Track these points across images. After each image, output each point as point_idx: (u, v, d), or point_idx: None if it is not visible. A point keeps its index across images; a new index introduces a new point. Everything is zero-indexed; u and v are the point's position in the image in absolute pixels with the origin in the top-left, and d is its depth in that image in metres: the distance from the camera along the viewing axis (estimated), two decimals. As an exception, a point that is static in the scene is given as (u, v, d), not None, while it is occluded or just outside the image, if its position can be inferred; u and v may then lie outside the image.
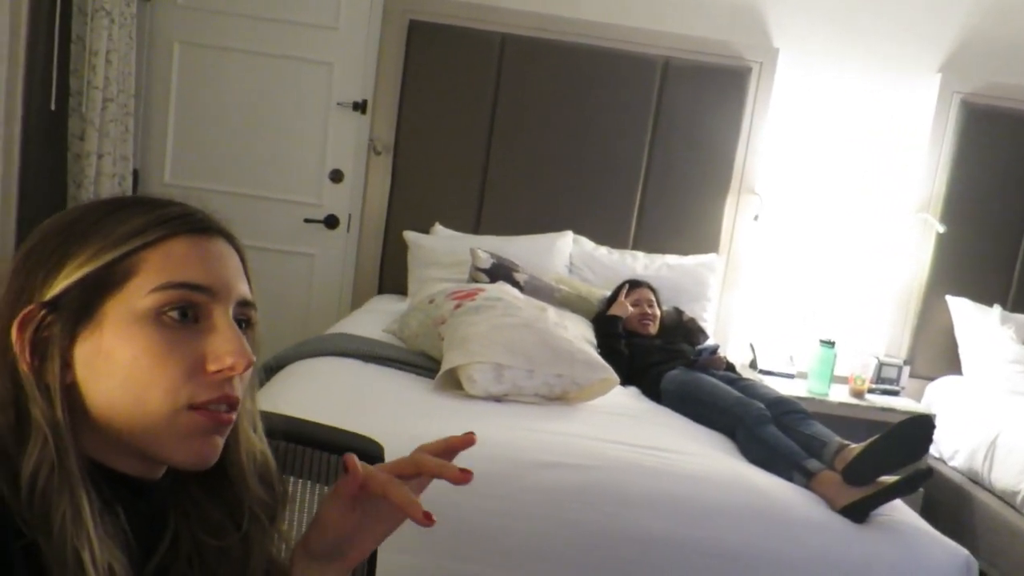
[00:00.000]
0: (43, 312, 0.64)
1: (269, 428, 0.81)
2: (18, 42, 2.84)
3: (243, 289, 0.72)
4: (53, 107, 3.02)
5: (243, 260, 0.75)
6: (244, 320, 0.72)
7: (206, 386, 0.66)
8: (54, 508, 0.59)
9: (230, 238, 0.74)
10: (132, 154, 3.36)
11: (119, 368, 0.64)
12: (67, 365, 0.64)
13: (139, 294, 0.65)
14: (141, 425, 0.65)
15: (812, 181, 3.58)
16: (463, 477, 0.73)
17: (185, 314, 0.66)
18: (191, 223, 0.70)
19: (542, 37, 3.53)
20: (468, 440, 0.79)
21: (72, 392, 0.64)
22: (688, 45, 3.55)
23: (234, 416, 0.69)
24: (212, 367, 0.66)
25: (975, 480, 3.06)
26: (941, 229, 3.58)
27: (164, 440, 0.66)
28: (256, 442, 0.77)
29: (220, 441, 0.69)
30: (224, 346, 0.67)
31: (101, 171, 3.15)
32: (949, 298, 3.63)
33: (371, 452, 0.99)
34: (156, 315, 0.65)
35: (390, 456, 1.03)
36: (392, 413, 1.92)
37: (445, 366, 2.17)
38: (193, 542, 0.73)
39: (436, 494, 1.69)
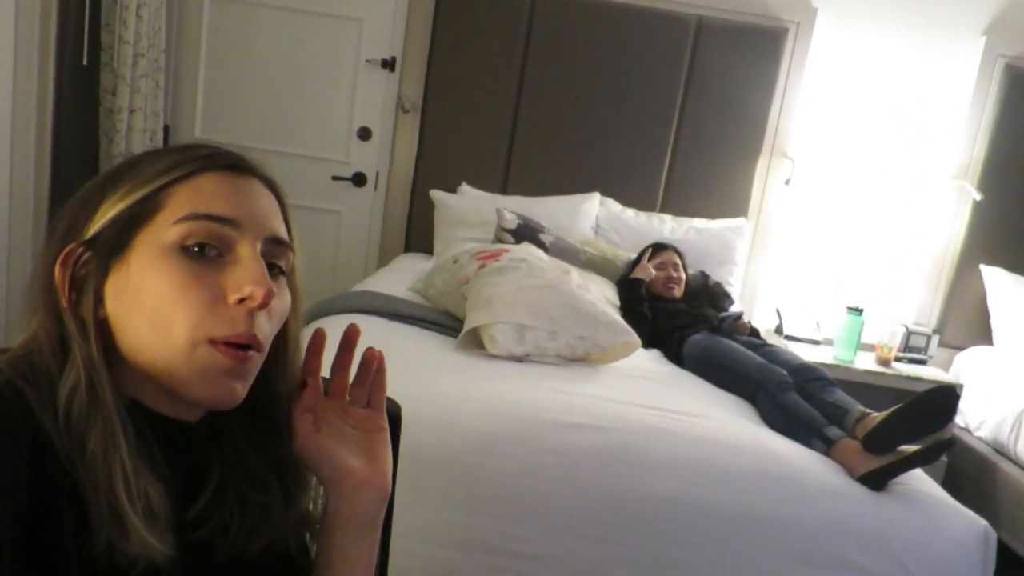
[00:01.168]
0: (81, 250, 0.66)
1: None
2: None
3: (275, 226, 0.71)
4: (85, 62, 3.05)
5: (282, 204, 0.75)
6: (277, 265, 0.72)
7: (227, 320, 0.65)
8: (88, 434, 0.61)
9: (268, 182, 0.74)
10: (163, 109, 3.38)
11: (144, 299, 0.65)
12: (100, 300, 0.66)
13: (165, 226, 0.66)
14: (164, 358, 0.65)
15: (846, 145, 3.51)
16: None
17: (209, 247, 0.66)
18: (223, 160, 0.70)
19: (573, -6, 3.47)
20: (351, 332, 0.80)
21: (104, 327, 0.66)
22: (723, 4, 3.48)
23: (256, 356, 0.68)
24: (231, 297, 0.66)
25: (1000, 451, 3.03)
26: (978, 197, 3.50)
27: (183, 375, 0.65)
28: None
29: (239, 384, 0.68)
30: (244, 276, 0.66)
31: (132, 126, 3.18)
32: (983, 267, 3.57)
33: (390, 411, 1.00)
34: (180, 247, 0.65)
35: (410, 416, 1.05)
36: (414, 371, 1.93)
37: (468, 325, 2.18)
38: (237, 494, 0.73)
39: (455, 454, 1.73)
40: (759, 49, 3.48)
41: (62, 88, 2.97)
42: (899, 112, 3.53)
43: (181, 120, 3.60)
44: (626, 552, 1.72)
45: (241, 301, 0.66)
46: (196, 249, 0.66)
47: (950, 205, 3.58)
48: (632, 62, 3.50)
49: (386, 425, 0.81)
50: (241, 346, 0.66)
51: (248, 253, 0.67)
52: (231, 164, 0.71)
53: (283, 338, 0.75)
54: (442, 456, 1.71)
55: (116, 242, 0.66)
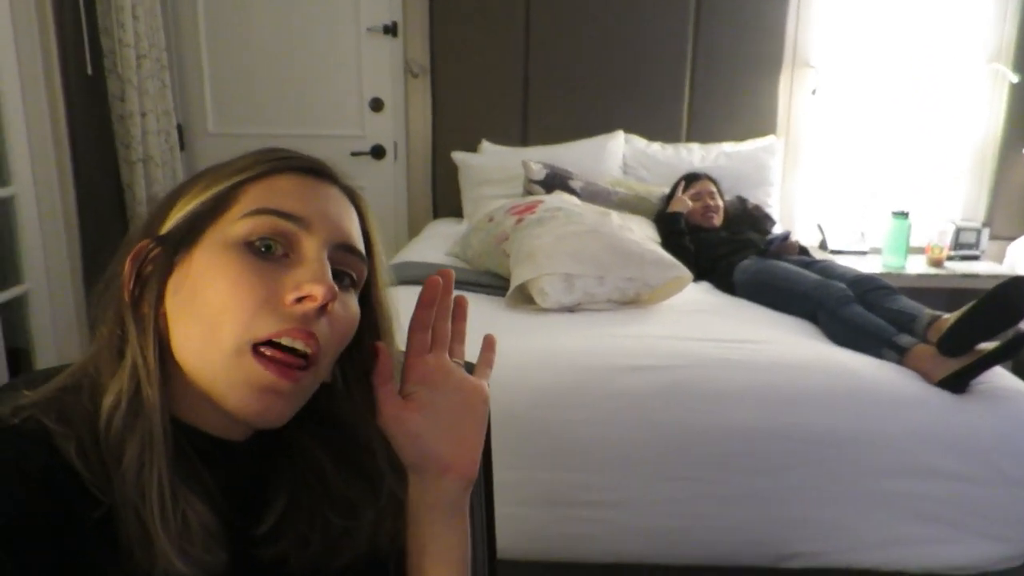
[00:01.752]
0: (152, 245, 0.65)
1: None
2: (46, 10, 2.81)
3: (347, 232, 0.68)
4: (90, 71, 3.01)
5: (362, 216, 0.71)
6: (347, 273, 0.68)
7: (280, 316, 0.61)
8: (126, 445, 0.59)
9: (348, 191, 0.71)
10: (173, 108, 3.35)
11: (198, 294, 0.62)
12: (161, 297, 0.64)
13: (234, 220, 0.64)
14: (208, 361, 0.62)
15: (871, 44, 3.38)
16: (443, 277, 0.73)
17: (275, 244, 0.64)
18: (302, 162, 0.68)
19: (569, -71, 3.36)
20: (446, 275, 0.74)
21: (160, 326, 0.63)
22: (725, -85, 3.34)
23: (306, 375, 0.63)
24: (289, 296, 0.62)
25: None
26: (1015, 79, 3.35)
27: (224, 382, 0.62)
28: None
29: (282, 403, 0.63)
30: (305, 274, 0.62)
31: (146, 129, 3.15)
32: (1027, 152, 3.45)
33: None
34: (245, 242, 0.63)
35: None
36: (469, 335, 1.90)
37: (515, 282, 2.14)
38: (316, 514, 0.69)
39: (520, 410, 1.70)
40: (768, -42, 3.35)
41: (71, 101, 2.94)
42: (922, 1, 3.38)
43: (192, 116, 3.57)
44: (710, 488, 1.69)
45: (300, 300, 0.62)
46: (262, 247, 0.63)
47: (985, 91, 3.44)
48: (638, -9, 3.39)
49: (484, 389, 0.73)
50: (292, 351, 0.61)
51: (314, 253, 0.64)
52: (310, 168, 0.68)
53: (357, 357, 0.71)
54: (511, 415, 1.69)
55: (185, 237, 0.64)
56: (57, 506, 0.55)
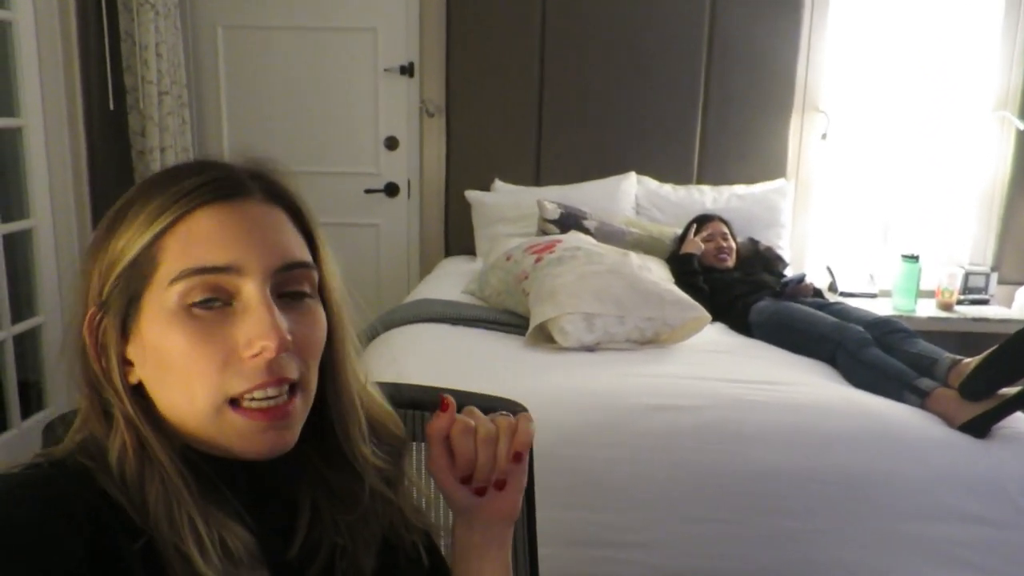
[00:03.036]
0: (100, 314, 0.63)
1: (395, 397, 0.79)
2: (71, 47, 2.87)
3: (284, 251, 0.64)
4: (112, 107, 3.06)
5: (296, 214, 0.68)
6: (296, 291, 0.65)
7: (245, 375, 0.60)
8: (148, 493, 0.59)
9: (273, 194, 0.67)
10: (191, 145, 3.39)
11: (163, 367, 0.61)
12: (129, 364, 0.63)
13: (164, 286, 0.61)
14: (195, 422, 0.62)
15: (880, 90, 3.44)
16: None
17: (214, 300, 0.61)
18: (210, 193, 0.63)
19: (584, -25, 3.43)
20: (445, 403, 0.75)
21: (140, 389, 0.64)
22: (736, -37, 3.42)
23: (294, 402, 0.63)
24: (244, 353, 0.60)
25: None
26: (1022, 126, 3.41)
27: (219, 439, 0.62)
28: (360, 412, 0.72)
29: (284, 431, 0.63)
30: (253, 328, 0.60)
31: (165, 164, 3.18)
32: (1034, 198, 3.49)
33: (518, 411, 0.99)
34: (183, 307, 0.60)
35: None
36: (490, 373, 1.92)
37: (535, 320, 2.15)
38: (333, 521, 0.71)
39: (544, 448, 1.69)
40: (779, 4, 3.41)
41: (92, 135, 2.98)
42: (930, 50, 3.44)
43: (210, 153, 3.60)
44: (736, 529, 1.69)
45: (256, 356, 0.61)
46: (203, 304, 0.61)
47: (993, 138, 3.49)
48: (651, 34, 3.45)
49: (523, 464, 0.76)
50: (279, 390, 0.62)
51: (255, 298, 0.61)
52: (221, 194, 0.63)
53: (330, 361, 0.70)
54: (536, 453, 1.68)
55: (125, 305, 0.62)
56: (104, 540, 0.56)
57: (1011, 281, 3.56)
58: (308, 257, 0.67)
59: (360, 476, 0.72)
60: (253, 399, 0.61)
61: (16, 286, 2.84)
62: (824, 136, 3.49)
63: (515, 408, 1.01)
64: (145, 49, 3.04)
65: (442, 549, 0.84)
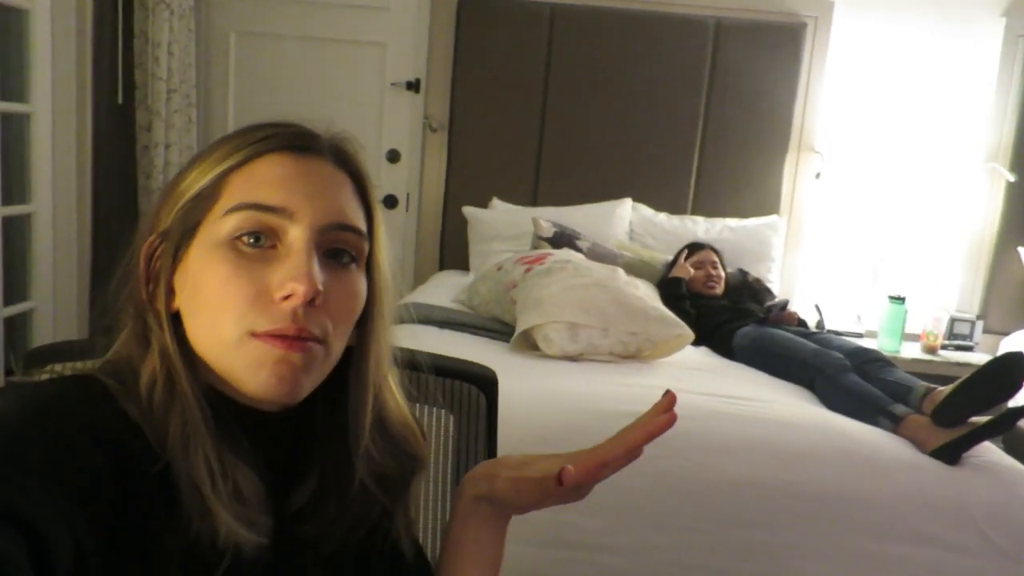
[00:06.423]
0: (158, 241, 0.66)
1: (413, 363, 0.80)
2: (85, 40, 2.93)
3: (338, 211, 0.66)
4: (120, 101, 3.11)
5: (360, 185, 0.70)
6: (343, 249, 0.66)
7: (270, 315, 0.62)
8: (169, 423, 0.60)
9: (342, 160, 0.69)
10: (196, 144, 3.44)
11: (199, 294, 0.64)
12: (172, 292, 0.66)
13: (218, 216, 0.64)
14: (218, 352, 0.63)
15: (874, 135, 3.51)
16: (669, 420, 0.72)
17: (259, 238, 0.63)
18: (284, 141, 0.66)
19: (591, 5, 3.52)
20: (670, 400, 0.74)
21: (177, 319, 0.66)
22: (740, 3, 3.51)
23: (316, 347, 0.63)
24: (276, 294, 0.62)
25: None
26: (1011, 178, 3.48)
27: (236, 369, 0.63)
28: (371, 397, 0.71)
29: (296, 376, 0.63)
30: (288, 271, 0.62)
31: (168, 161, 3.23)
32: (1021, 249, 3.53)
33: (487, 377, 1.03)
34: (231, 240, 0.63)
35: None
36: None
37: (521, 327, 2.18)
38: (338, 495, 0.71)
39: (520, 449, 1.71)
40: (779, 46, 3.50)
41: (99, 127, 3.02)
42: (924, 99, 3.52)
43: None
44: (704, 538, 1.70)
45: (286, 298, 0.62)
46: (250, 240, 0.63)
47: (983, 189, 3.56)
48: (654, 67, 3.53)
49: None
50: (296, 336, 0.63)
51: (298, 244, 0.63)
52: (293, 145, 0.66)
53: (361, 338, 0.70)
54: (509, 452, 1.70)
55: (182, 234, 0.65)
56: (123, 460, 0.57)
57: (996, 331, 3.60)
58: (362, 225, 0.68)
59: (353, 465, 0.71)
60: (272, 336, 0.62)
61: (11, 270, 2.86)
62: (818, 175, 3.56)
63: (484, 373, 1.04)
64: (157, 47, 3.11)
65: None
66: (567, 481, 0.70)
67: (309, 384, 0.65)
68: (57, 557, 0.48)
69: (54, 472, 0.52)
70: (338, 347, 0.67)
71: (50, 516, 0.48)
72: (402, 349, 0.97)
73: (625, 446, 0.72)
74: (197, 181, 0.65)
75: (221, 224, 0.63)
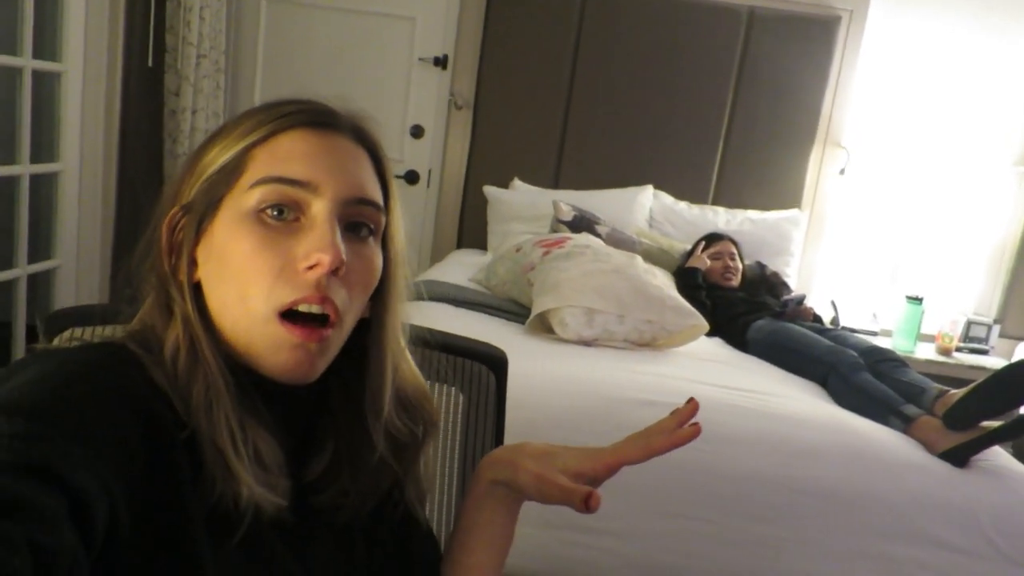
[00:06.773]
0: (180, 213, 0.68)
1: (427, 340, 0.81)
2: (118, 1, 2.94)
3: (359, 186, 0.68)
4: (151, 64, 3.13)
5: (378, 161, 0.72)
6: (362, 222, 0.68)
7: (295, 285, 0.64)
8: (192, 389, 0.62)
9: (361, 138, 0.71)
10: (223, 109, 3.46)
11: (224, 266, 0.65)
12: (194, 263, 0.67)
13: (244, 190, 0.65)
14: (244, 326, 0.65)
15: (902, 133, 3.48)
16: (694, 432, 0.72)
17: (283, 211, 0.65)
18: (306, 117, 0.68)
19: (624, -11, 3.49)
20: (693, 408, 0.74)
21: (199, 291, 0.67)
22: (774, -6, 3.48)
23: (328, 332, 0.66)
24: (300, 264, 0.64)
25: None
26: (1039, 183, 3.44)
27: (258, 345, 0.65)
28: (390, 371, 0.73)
29: (312, 357, 0.65)
30: (313, 242, 0.64)
31: (195, 126, 3.25)
32: (1044, 254, 3.51)
33: (497, 357, 1.05)
34: (256, 212, 0.65)
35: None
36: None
37: (537, 309, 2.20)
38: (352, 467, 0.73)
39: (532, 430, 1.74)
40: (812, 39, 3.46)
41: (128, 89, 3.05)
42: (956, 98, 3.48)
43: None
44: (708, 528, 1.72)
45: (311, 268, 0.64)
46: (274, 213, 0.65)
47: (1010, 192, 3.52)
48: (683, 55, 3.51)
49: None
50: (316, 317, 0.65)
51: (322, 216, 0.65)
52: (315, 121, 0.68)
53: (377, 309, 0.72)
54: (519, 433, 1.72)
55: (206, 206, 0.67)
56: (154, 427, 0.58)
57: (1013, 335, 3.58)
58: (380, 200, 0.70)
59: (371, 436, 0.73)
60: (298, 313, 0.64)
61: (36, 228, 2.90)
62: (843, 171, 3.53)
63: (495, 353, 1.06)
64: (189, 11, 3.12)
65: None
66: (594, 509, 0.68)
67: (323, 364, 0.67)
68: (95, 517, 0.49)
69: (92, 438, 0.53)
70: (351, 319, 0.69)
71: (89, 479, 0.50)
72: (413, 326, 0.99)
73: (649, 451, 0.72)
74: (221, 155, 0.67)
75: (246, 197, 0.65)
